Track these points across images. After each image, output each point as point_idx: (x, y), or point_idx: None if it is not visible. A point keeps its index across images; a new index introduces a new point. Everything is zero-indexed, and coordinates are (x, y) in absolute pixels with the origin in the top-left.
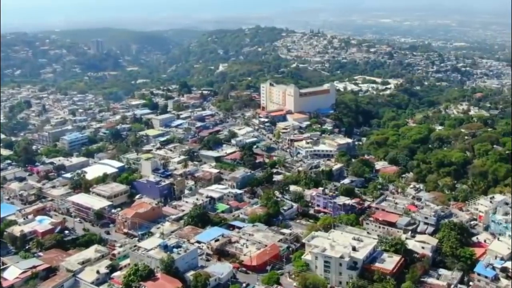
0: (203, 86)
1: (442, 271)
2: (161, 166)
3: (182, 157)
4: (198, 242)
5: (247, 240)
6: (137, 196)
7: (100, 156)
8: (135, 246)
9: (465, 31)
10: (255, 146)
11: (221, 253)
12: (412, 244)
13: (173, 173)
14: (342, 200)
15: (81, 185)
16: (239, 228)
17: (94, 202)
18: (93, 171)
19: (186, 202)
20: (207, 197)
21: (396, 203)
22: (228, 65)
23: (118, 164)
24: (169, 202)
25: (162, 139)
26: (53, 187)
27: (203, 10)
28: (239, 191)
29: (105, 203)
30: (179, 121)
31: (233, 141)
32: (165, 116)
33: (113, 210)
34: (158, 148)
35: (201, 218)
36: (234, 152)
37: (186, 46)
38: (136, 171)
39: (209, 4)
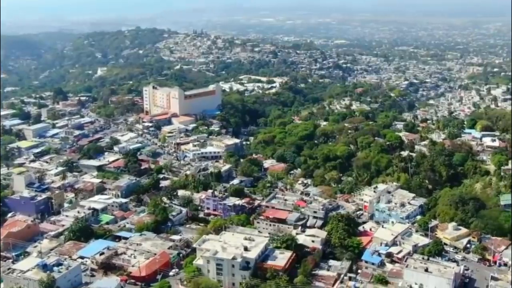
0: (81, 92)
1: (332, 262)
2: (36, 179)
3: (60, 168)
4: (81, 257)
5: (135, 250)
6: (10, 214)
7: None
8: (9, 269)
9: (345, 29)
10: (139, 152)
11: (107, 267)
12: (302, 239)
13: (50, 186)
14: (232, 201)
15: None
16: (126, 238)
17: None
18: None
19: (66, 216)
20: (89, 209)
21: (286, 200)
22: (108, 69)
23: None
24: (46, 217)
25: (36, 150)
26: None
27: (78, 11)
28: (124, 200)
29: None
30: (55, 130)
31: (115, 148)
32: (38, 126)
33: None
34: (32, 161)
35: (84, 231)
36: (117, 159)
37: (60, 50)
38: (8, 187)
39: (84, 5)
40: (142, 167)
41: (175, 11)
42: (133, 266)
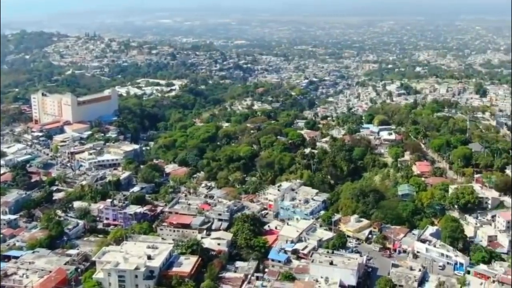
0: None
1: (238, 263)
2: None
3: None
4: None
5: (27, 269)
6: None
7: None
8: None
9: (244, 29)
10: (29, 164)
11: None
12: (208, 243)
13: None
14: (133, 209)
15: None
16: (16, 257)
17: None
18: None
19: None
20: None
21: (189, 204)
22: None
23: None
24: None
25: None
26: None
27: None
28: (13, 217)
29: None
30: None
31: (1, 162)
32: None
33: None
34: None
35: None
36: (4, 173)
37: None
38: None
39: None
40: (33, 180)
41: (64, 13)
42: (25, 286)
